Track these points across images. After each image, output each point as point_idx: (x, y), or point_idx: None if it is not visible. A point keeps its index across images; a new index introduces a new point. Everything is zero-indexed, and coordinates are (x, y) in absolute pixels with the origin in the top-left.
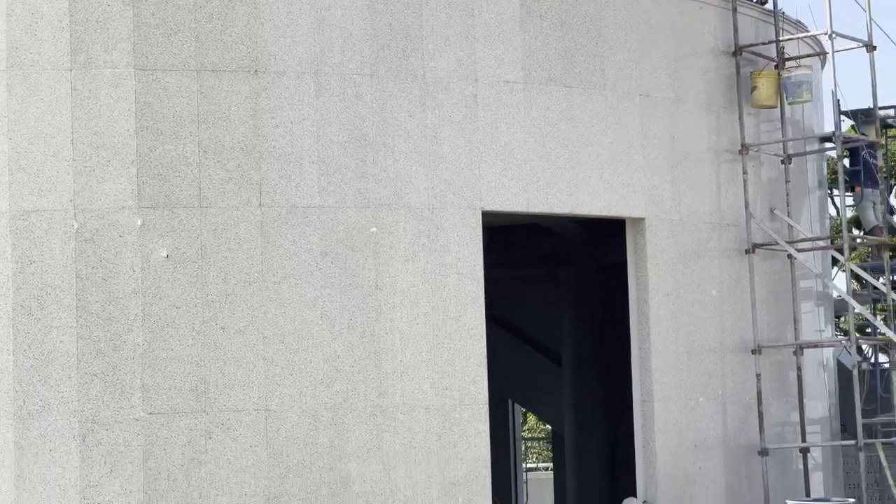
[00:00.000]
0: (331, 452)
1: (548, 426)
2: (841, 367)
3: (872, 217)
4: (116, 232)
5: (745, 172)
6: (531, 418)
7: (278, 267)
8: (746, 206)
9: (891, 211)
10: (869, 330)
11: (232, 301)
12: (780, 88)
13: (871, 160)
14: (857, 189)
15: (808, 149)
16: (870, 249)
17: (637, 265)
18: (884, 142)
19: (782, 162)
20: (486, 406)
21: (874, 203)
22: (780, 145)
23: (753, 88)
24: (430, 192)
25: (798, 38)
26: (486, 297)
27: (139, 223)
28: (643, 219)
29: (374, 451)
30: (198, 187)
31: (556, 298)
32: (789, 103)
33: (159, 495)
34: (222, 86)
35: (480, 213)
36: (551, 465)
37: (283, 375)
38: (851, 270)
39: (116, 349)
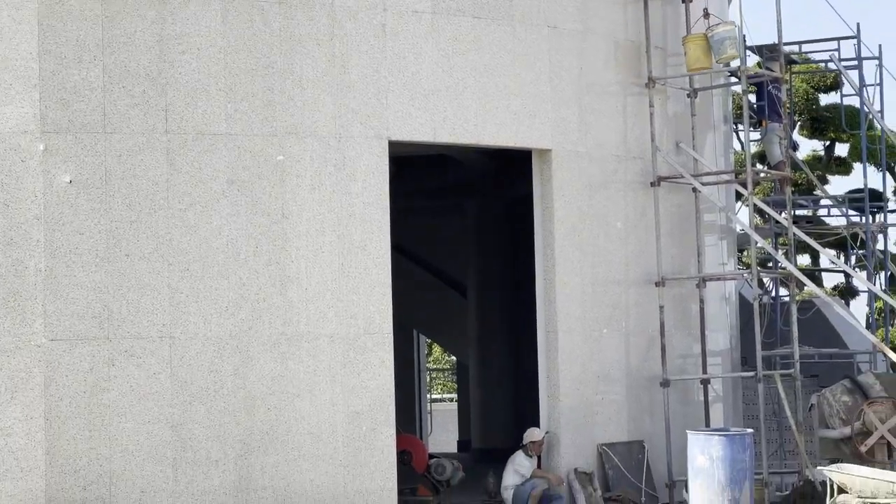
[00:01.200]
0: (235, 380)
1: (452, 357)
2: (742, 300)
3: (777, 152)
4: (18, 156)
5: (651, 106)
6: (436, 349)
7: (184, 194)
8: (652, 139)
9: (794, 146)
10: (770, 264)
11: (137, 228)
12: (710, 48)
13: (776, 94)
14: (764, 123)
15: (713, 83)
16: (773, 184)
17: (543, 197)
18: (788, 77)
19: (688, 96)
20: (391, 336)
21: (779, 138)
22: (687, 79)
23: (685, 53)
24: (337, 120)
25: None
26: (392, 227)
27: (42, 148)
28: (550, 150)
29: (278, 380)
30: (102, 112)
31: (462, 229)
32: (717, 61)
33: (61, 421)
34: (128, 10)
35: (387, 142)
36: (455, 395)
37: (188, 303)
38: (755, 204)
39: (18, 275)
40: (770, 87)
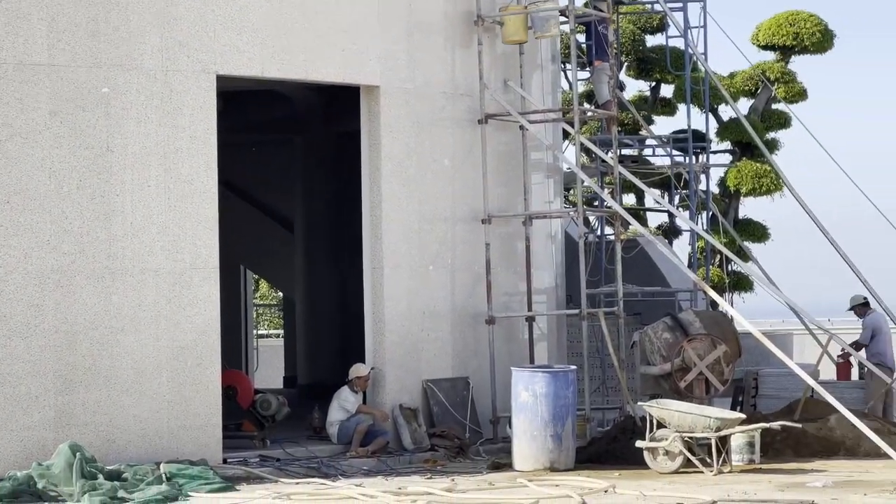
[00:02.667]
0: (56, 315)
1: (280, 293)
2: (568, 238)
3: (605, 91)
4: None
5: (479, 44)
6: (263, 285)
7: (4, 125)
8: (480, 77)
9: (621, 86)
10: (596, 202)
11: None
12: (528, 22)
13: (604, 35)
14: (598, 63)
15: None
16: (599, 123)
17: (371, 133)
18: (615, 18)
19: None
20: (217, 271)
21: (607, 77)
22: None
23: (502, 24)
24: (163, 53)
25: None
26: (219, 162)
27: None
28: (378, 87)
29: (101, 314)
30: None
31: (291, 165)
32: (536, 37)
33: None
34: None
35: (215, 76)
36: (282, 331)
37: (8, 236)
38: (581, 143)
39: None
40: (599, 27)
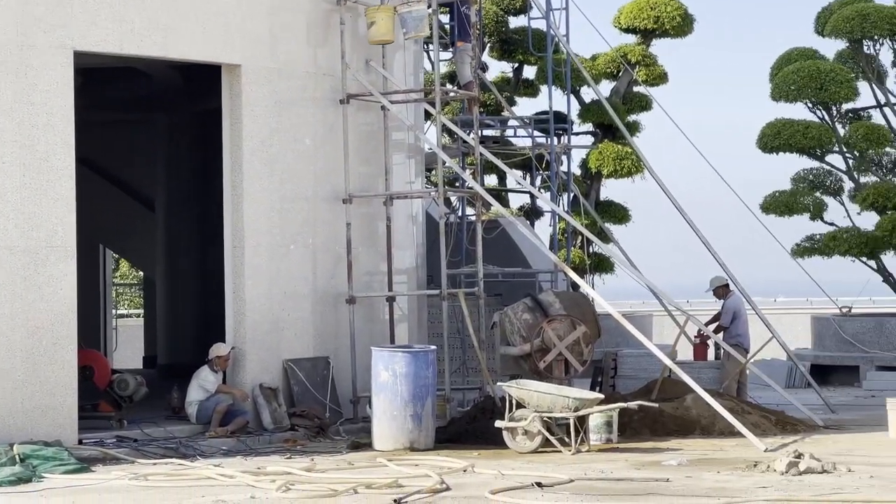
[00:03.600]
0: None
1: (140, 272)
2: (429, 218)
3: (467, 72)
4: None
5: (342, 23)
6: (124, 264)
7: None
8: (343, 57)
9: (483, 67)
10: (458, 183)
11: None
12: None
13: (467, 15)
14: (460, 44)
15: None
16: (461, 104)
17: (232, 112)
18: None
19: None
20: (74, 250)
21: (470, 58)
22: None
23: (371, 24)
24: (18, 28)
25: None
26: (78, 140)
27: None
28: (239, 65)
29: None
30: None
31: (151, 144)
32: (406, 38)
33: None
34: None
35: (72, 52)
36: (142, 311)
37: None
38: (443, 124)
39: None
40: (461, 8)
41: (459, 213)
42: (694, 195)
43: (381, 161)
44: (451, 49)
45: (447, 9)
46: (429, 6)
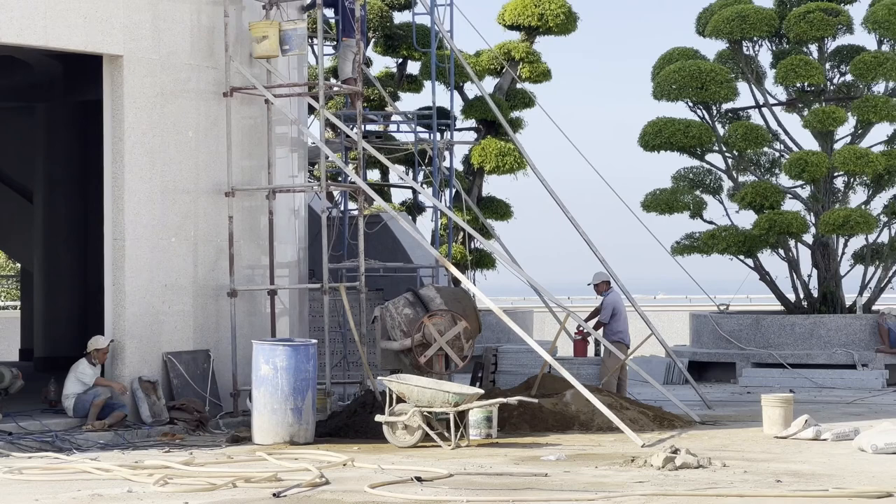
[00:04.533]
0: None
1: (17, 264)
2: (312, 212)
3: (350, 67)
4: None
5: (226, 15)
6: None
7: None
8: (226, 50)
9: (367, 62)
10: (340, 177)
11: None
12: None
13: (351, 10)
14: (345, 39)
15: None
16: (345, 98)
17: (114, 103)
18: None
19: (264, 7)
20: None
21: (353, 53)
22: None
23: (263, 38)
24: None
25: None
26: None
27: None
28: (121, 56)
29: None
30: None
31: (30, 134)
32: (286, 55)
33: None
34: None
35: None
36: (19, 303)
37: None
38: (326, 118)
39: None
40: (346, 3)
41: (342, 208)
42: (577, 192)
43: (264, 155)
44: (335, 44)
45: (332, 3)
46: (313, 1)
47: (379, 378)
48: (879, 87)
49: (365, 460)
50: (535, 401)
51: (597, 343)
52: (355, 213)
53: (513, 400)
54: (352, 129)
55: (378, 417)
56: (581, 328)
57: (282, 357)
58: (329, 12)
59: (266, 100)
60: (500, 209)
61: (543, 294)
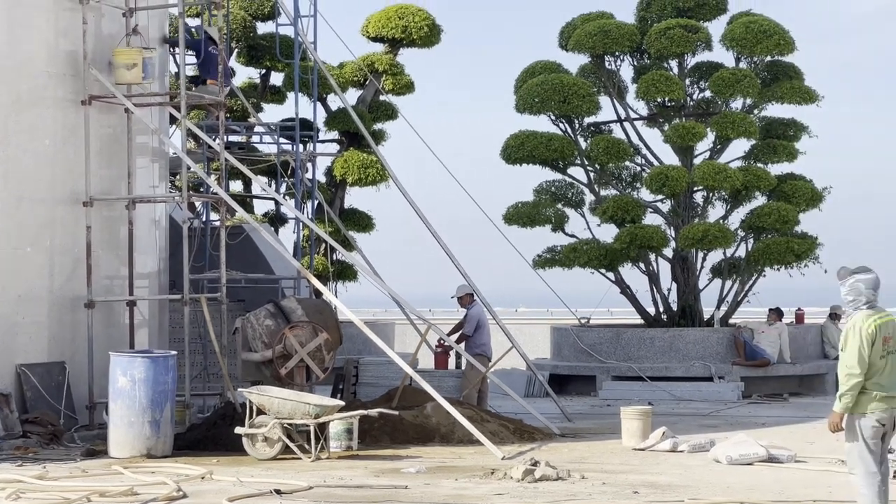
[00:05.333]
0: None
1: None
2: (173, 223)
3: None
4: None
5: (85, 23)
6: None
7: None
8: (85, 57)
9: (230, 73)
10: (203, 188)
11: None
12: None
13: (214, 54)
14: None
15: (150, 3)
16: (206, 110)
17: None
18: (226, 3)
19: (124, 15)
20: None
21: (217, 64)
22: None
23: (133, 66)
24: None
25: None
26: None
27: None
28: None
29: None
30: None
31: None
32: (147, 83)
33: None
34: None
35: None
36: None
37: None
38: (188, 129)
39: None
40: (210, 48)
41: (204, 219)
42: (440, 204)
43: (124, 164)
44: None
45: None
46: (174, 3)
47: (239, 390)
48: (737, 104)
49: (224, 473)
50: (396, 413)
51: (458, 356)
52: (217, 223)
53: (373, 412)
54: (214, 139)
55: (238, 430)
56: (443, 341)
57: (140, 369)
58: (193, 21)
59: (126, 109)
60: (362, 221)
61: (405, 306)
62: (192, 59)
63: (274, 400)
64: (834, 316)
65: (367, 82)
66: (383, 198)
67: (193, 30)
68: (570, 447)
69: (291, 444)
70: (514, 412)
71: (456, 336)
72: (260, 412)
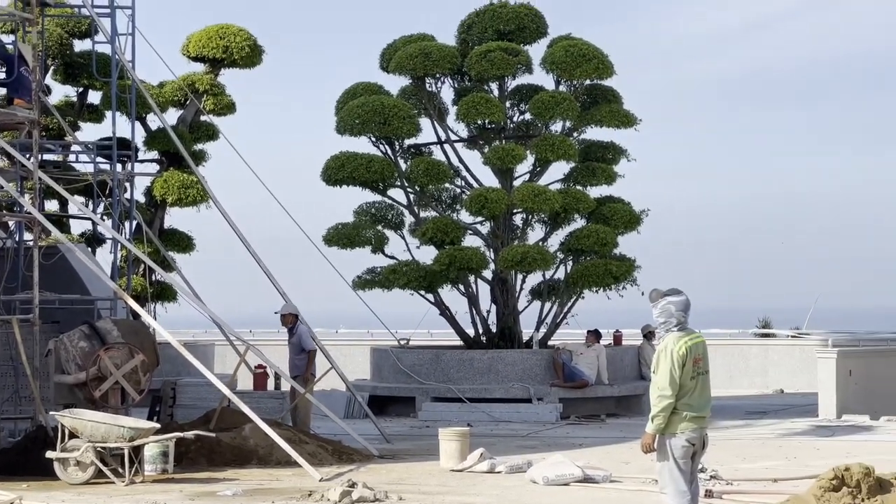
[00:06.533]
0: None
1: None
2: None
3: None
4: None
5: None
6: None
7: None
8: None
9: (45, 90)
10: (16, 207)
11: None
12: None
13: (25, 74)
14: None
15: None
16: (16, 129)
17: None
18: (41, 20)
19: None
20: None
21: (32, 82)
22: None
23: None
24: None
25: None
26: None
27: None
28: None
29: None
30: None
31: None
32: None
33: None
34: None
35: None
36: None
37: None
38: (1, 147)
39: None
40: (21, 67)
41: (17, 238)
42: (263, 225)
43: None
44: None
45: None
46: None
47: (51, 413)
48: (557, 126)
49: (34, 498)
50: (213, 435)
51: (277, 377)
52: (31, 243)
53: (189, 434)
54: (28, 158)
55: (49, 454)
56: (261, 366)
57: None
58: (7, 38)
59: None
60: (182, 242)
61: (224, 327)
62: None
63: (87, 423)
64: (649, 335)
65: (187, 102)
66: (204, 218)
67: (10, 46)
68: (389, 468)
69: (105, 469)
70: (334, 433)
71: (305, 357)
72: (73, 436)
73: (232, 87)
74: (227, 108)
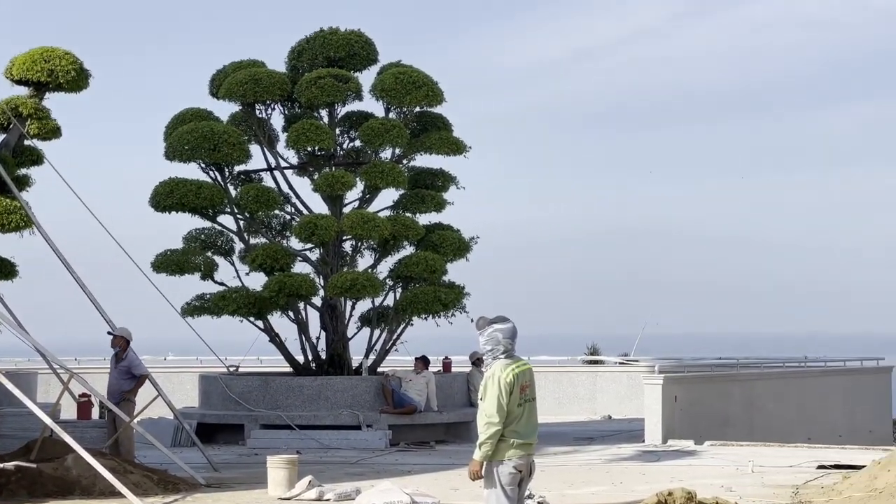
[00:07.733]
0: None
1: None
2: None
3: None
4: None
5: None
6: None
7: None
8: None
9: None
10: None
11: None
12: None
13: None
14: None
15: None
16: None
17: None
18: None
19: None
20: None
21: None
22: None
23: None
24: None
25: None
26: None
27: None
28: None
29: None
30: None
31: None
32: None
33: None
34: None
35: None
36: None
37: None
38: None
39: None
40: None
41: None
42: (90, 251)
43: None
44: None
45: None
46: None
47: None
48: (386, 153)
49: None
50: (34, 465)
51: (102, 405)
52: None
53: (9, 465)
54: None
55: None
56: (86, 394)
57: None
58: None
59: None
60: (4, 268)
61: (47, 355)
62: None
63: None
64: (477, 362)
65: (10, 126)
66: (28, 244)
67: None
68: (215, 498)
69: None
70: (160, 462)
71: (134, 385)
72: None
73: (60, 112)
74: (53, 132)
